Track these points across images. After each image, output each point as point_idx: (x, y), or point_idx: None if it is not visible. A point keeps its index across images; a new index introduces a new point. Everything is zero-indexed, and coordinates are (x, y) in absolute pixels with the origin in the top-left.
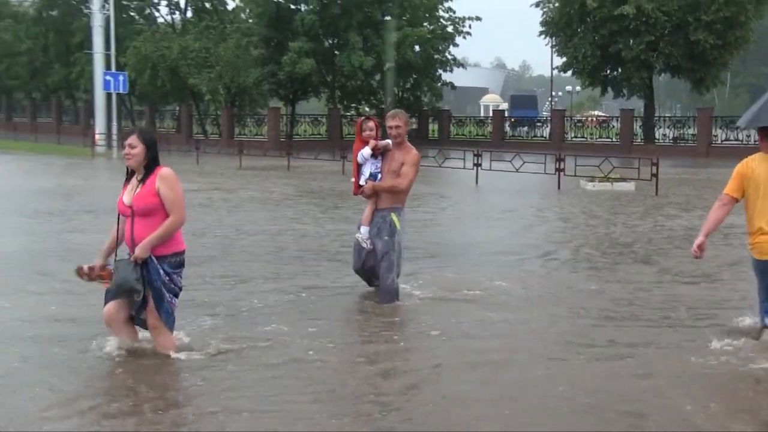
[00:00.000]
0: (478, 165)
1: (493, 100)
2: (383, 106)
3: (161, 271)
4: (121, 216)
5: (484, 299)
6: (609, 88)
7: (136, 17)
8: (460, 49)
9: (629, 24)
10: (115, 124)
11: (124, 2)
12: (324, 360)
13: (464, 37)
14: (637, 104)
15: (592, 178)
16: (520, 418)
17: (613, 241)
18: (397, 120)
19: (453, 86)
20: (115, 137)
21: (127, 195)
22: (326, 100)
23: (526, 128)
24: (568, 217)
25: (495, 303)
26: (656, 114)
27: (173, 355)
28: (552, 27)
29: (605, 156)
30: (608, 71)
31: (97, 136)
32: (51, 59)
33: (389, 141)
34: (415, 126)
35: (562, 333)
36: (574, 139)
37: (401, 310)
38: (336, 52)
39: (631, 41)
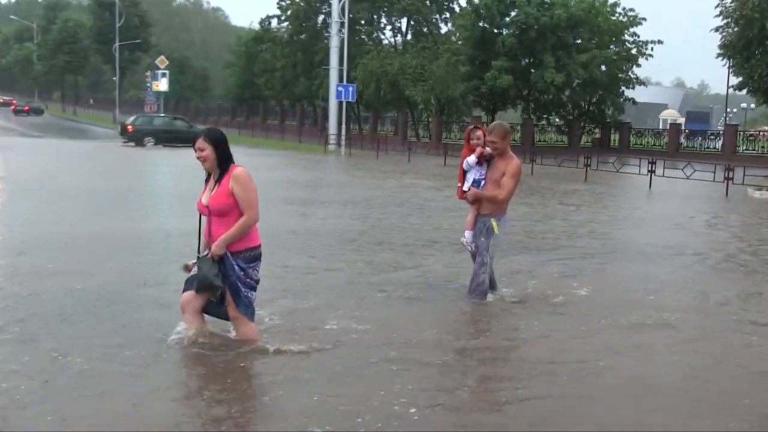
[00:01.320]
0: (651, 171)
1: (671, 115)
2: (570, 118)
3: (236, 267)
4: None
5: (656, 299)
6: None
7: (366, 39)
8: (645, 69)
9: None
10: (344, 127)
11: (357, 27)
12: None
13: (646, 59)
14: None
15: (759, 187)
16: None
17: None
18: (492, 136)
19: (634, 102)
20: (344, 138)
21: (205, 195)
22: (522, 110)
23: (699, 140)
24: (735, 222)
25: (667, 305)
26: None
27: (258, 343)
28: (730, 50)
29: None
30: None
31: (329, 137)
32: (298, 73)
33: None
34: (598, 135)
35: (729, 337)
36: (745, 151)
37: (574, 300)
38: (531, 69)
39: None
